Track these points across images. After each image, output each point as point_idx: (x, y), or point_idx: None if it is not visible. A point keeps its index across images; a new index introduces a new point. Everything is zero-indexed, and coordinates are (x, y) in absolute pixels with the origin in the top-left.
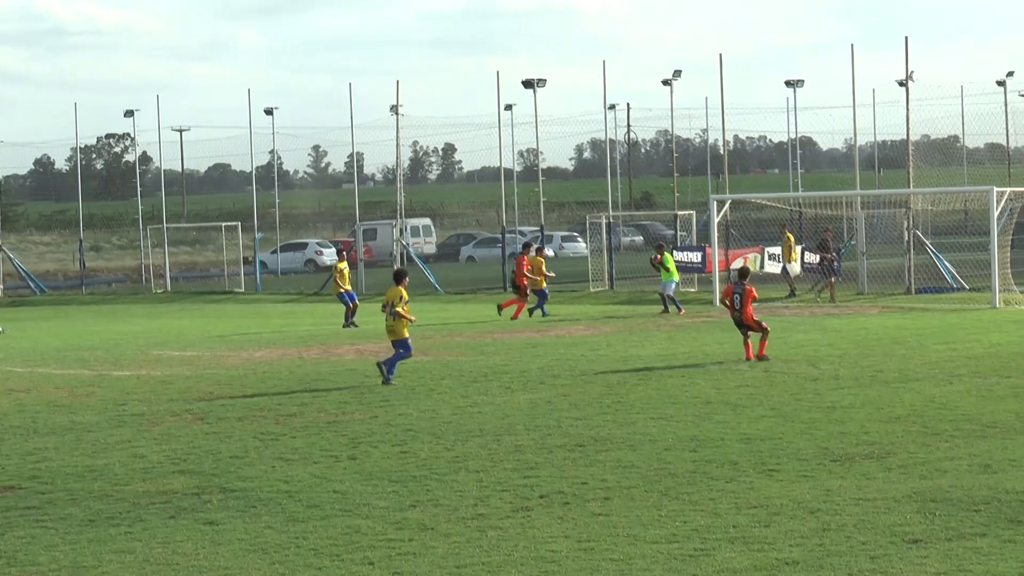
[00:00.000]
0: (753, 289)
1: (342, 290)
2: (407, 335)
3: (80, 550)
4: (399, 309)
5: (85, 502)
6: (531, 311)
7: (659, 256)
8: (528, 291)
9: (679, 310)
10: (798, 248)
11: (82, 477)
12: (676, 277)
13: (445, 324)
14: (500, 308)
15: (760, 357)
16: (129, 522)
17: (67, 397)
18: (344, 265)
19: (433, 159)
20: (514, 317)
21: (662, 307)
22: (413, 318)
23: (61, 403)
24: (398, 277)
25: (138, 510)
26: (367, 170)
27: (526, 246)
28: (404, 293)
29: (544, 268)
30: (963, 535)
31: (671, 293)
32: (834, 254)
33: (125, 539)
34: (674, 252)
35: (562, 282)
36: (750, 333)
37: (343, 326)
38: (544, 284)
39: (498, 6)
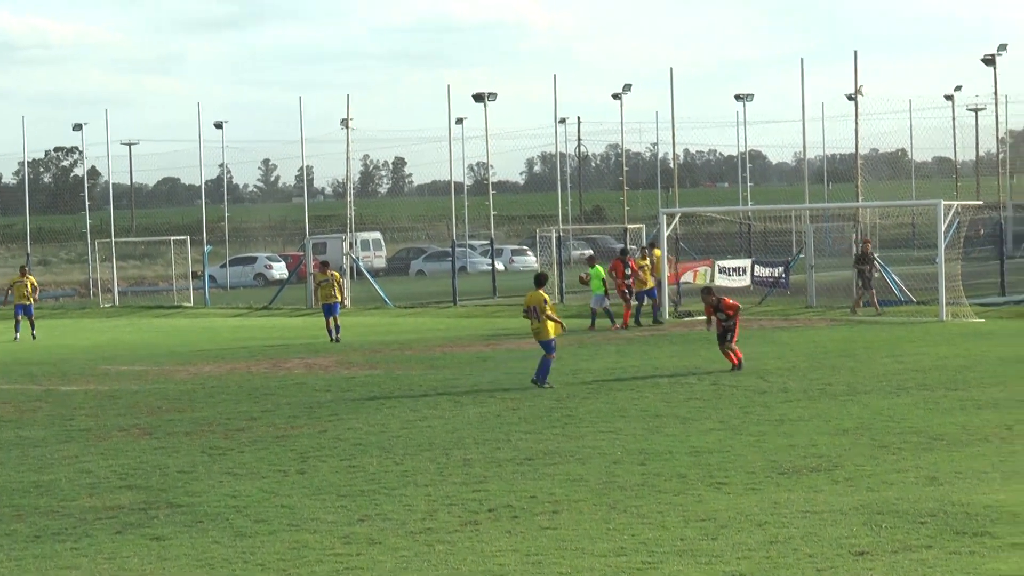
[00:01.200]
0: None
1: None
2: (552, 336)
3: (25, 566)
4: (550, 313)
5: (31, 518)
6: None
7: (587, 275)
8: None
9: (613, 324)
10: (748, 262)
11: (28, 492)
12: (602, 291)
13: (395, 338)
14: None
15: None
16: (75, 538)
17: (14, 412)
18: (323, 277)
19: (383, 173)
20: (624, 326)
21: (590, 323)
22: (562, 321)
23: (8, 418)
24: (539, 281)
25: (85, 525)
26: (317, 184)
27: (623, 252)
28: (546, 296)
29: (641, 270)
30: (909, 547)
31: (606, 306)
32: (874, 265)
33: (71, 555)
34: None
35: (513, 295)
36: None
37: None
38: (648, 286)
39: (449, 21)
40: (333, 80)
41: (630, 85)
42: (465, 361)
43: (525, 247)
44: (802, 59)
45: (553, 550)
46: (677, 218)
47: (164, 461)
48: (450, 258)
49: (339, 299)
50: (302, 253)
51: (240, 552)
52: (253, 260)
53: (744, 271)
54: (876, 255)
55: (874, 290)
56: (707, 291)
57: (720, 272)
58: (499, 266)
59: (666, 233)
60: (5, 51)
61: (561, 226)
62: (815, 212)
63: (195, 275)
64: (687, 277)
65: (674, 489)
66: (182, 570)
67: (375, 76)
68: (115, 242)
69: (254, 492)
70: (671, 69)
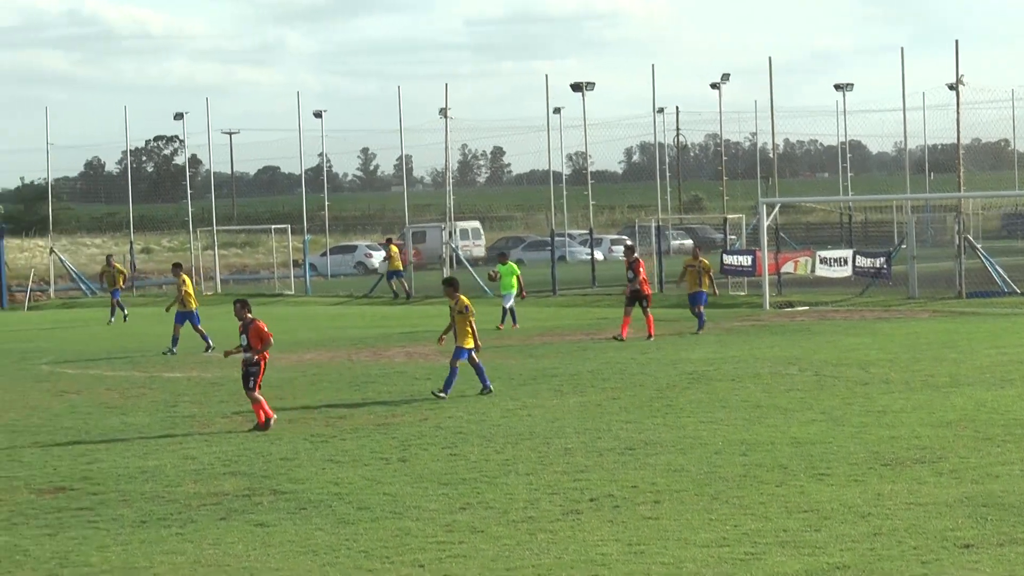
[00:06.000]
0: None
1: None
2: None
3: (132, 551)
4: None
5: (137, 503)
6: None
7: (496, 272)
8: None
9: (514, 323)
10: (849, 252)
11: (134, 478)
12: (513, 289)
13: (495, 327)
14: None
15: None
16: (180, 523)
17: (118, 399)
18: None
19: (482, 162)
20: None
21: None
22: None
23: (112, 404)
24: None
25: (189, 511)
26: (416, 173)
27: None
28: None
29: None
30: (1015, 540)
31: (509, 305)
32: None
33: (176, 540)
34: (723, 256)
35: (611, 285)
36: None
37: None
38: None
39: (543, 11)
40: (428, 71)
41: (728, 74)
42: (565, 350)
43: (624, 237)
44: (902, 48)
45: (655, 540)
46: (777, 208)
47: (267, 448)
48: (549, 247)
49: (189, 307)
50: (402, 242)
51: (343, 539)
52: (353, 249)
53: (845, 262)
54: (979, 245)
55: None
56: (241, 304)
57: (821, 263)
58: (598, 256)
59: (766, 223)
60: (107, 41)
61: (660, 216)
62: (916, 202)
63: (296, 263)
64: (787, 267)
65: (776, 480)
66: (286, 557)
67: (470, 67)
68: (216, 230)
69: (356, 479)
70: (769, 58)
